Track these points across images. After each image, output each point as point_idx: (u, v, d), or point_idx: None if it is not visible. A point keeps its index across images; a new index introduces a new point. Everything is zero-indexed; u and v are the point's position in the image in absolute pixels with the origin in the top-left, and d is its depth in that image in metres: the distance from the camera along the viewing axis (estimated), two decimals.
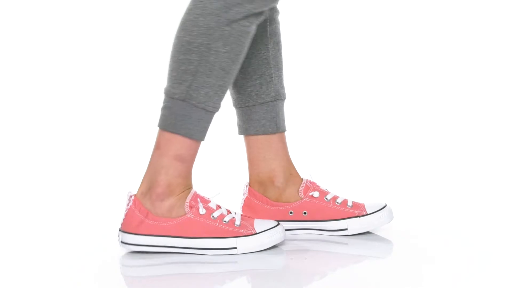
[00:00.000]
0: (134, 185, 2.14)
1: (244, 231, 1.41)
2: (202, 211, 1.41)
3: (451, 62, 2.91)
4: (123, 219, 1.42)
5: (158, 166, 1.42)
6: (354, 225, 1.52)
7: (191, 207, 1.42)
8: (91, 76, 2.91)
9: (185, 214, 1.41)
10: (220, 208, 1.44)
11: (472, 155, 2.43)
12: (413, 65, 2.92)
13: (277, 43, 1.56)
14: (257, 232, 1.42)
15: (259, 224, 1.43)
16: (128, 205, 1.42)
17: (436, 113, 2.79)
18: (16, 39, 2.91)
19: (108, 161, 2.47)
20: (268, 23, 1.54)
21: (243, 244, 1.40)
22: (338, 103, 2.84)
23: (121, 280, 1.34)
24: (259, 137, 1.56)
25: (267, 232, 1.42)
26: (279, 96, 1.57)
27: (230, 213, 1.44)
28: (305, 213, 1.53)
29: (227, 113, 2.54)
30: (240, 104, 1.56)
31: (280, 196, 1.55)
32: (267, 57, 1.55)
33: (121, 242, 1.42)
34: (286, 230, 1.53)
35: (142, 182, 1.44)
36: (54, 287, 1.29)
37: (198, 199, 1.43)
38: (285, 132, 1.59)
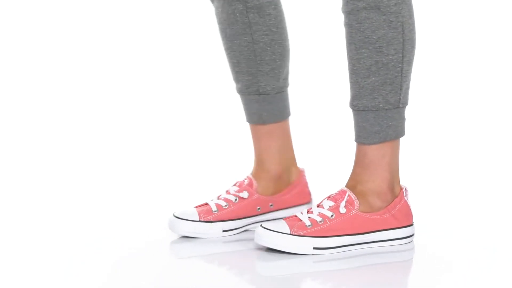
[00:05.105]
0: (133, 187, 2.13)
1: None
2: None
3: (455, 68, 2.92)
4: None
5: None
6: None
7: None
8: (91, 76, 2.91)
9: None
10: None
11: (473, 159, 2.42)
12: (415, 68, 2.92)
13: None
14: None
15: None
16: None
17: (437, 116, 2.79)
18: (17, 40, 2.91)
19: (107, 161, 2.47)
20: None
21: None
22: (343, 105, 2.83)
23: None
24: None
25: None
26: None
27: None
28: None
29: (227, 112, 2.54)
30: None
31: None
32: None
33: None
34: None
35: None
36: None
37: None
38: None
